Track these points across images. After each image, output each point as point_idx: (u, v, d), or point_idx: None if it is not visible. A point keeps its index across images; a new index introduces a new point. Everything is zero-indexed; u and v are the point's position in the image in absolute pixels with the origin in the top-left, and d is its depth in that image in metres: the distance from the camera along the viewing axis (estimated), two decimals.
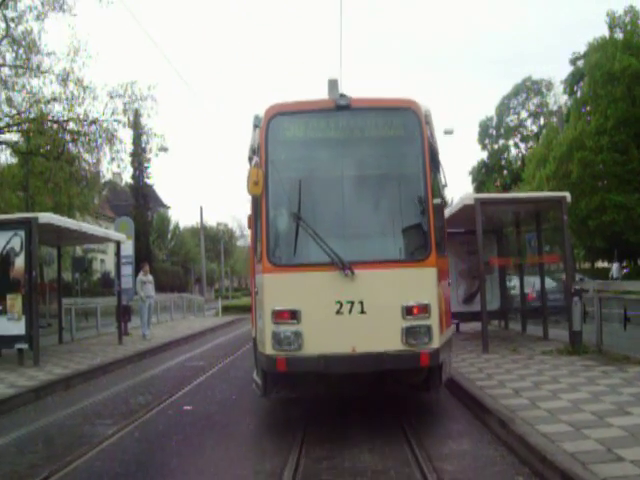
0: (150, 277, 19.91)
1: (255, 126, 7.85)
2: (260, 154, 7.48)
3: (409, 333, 6.95)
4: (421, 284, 7.18)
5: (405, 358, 7.00)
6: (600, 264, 57.24)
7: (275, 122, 7.54)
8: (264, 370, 7.34)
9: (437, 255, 7.29)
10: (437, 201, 7.59)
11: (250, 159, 8.52)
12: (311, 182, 7.71)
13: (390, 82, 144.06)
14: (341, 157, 7.86)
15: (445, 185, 8.50)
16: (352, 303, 6.98)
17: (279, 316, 7.01)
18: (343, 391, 8.02)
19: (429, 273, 7.22)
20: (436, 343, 7.04)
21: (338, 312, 6.97)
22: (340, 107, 7.62)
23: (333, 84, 8.00)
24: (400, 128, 7.77)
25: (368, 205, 7.76)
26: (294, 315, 6.98)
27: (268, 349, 7.03)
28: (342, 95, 7.68)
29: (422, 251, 7.26)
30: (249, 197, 8.09)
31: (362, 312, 6.97)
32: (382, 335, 6.99)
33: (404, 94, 7.93)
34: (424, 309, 7.04)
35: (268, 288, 7.20)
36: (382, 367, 7.02)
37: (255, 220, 7.92)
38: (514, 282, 17.19)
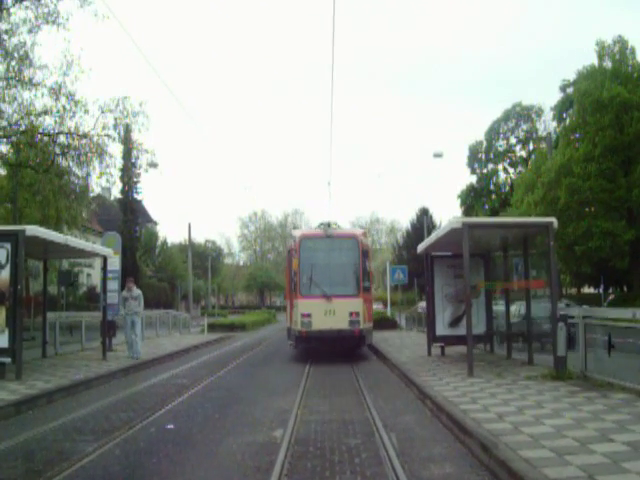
0: (136, 292, 18.74)
1: (292, 238, 20.13)
2: (296, 252, 18.82)
3: (350, 322, 18.04)
4: (355, 304, 18.34)
5: (349, 331, 18.07)
6: (586, 290, 57.52)
7: (302, 240, 19.20)
8: (296, 336, 18.68)
9: (363, 293, 18.69)
10: (365, 271, 19.15)
11: (289, 252, 20.26)
12: (315, 264, 18.84)
13: (380, 102, 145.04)
14: (328, 254, 19.12)
15: (369, 268, 20.10)
16: (331, 310, 18.08)
17: (303, 315, 18.21)
18: (326, 344, 18.99)
19: (358, 300, 18.47)
20: (361, 326, 18.13)
21: (325, 314, 18.07)
22: (327, 236, 19.25)
23: (326, 226, 19.96)
24: (350, 243, 19.22)
25: (338, 274, 18.94)
26: (309, 315, 18.16)
27: (299, 327, 18.25)
28: (328, 230, 19.46)
29: (356, 292, 18.62)
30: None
31: (334, 314, 18.04)
32: (341, 322, 17.97)
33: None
34: (356, 314, 18.10)
35: (300, 305, 18.48)
36: (341, 334, 18.16)
37: (291, 277, 19.29)
38: (500, 307, 17.26)
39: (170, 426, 9.23)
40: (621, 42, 43.65)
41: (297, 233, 20.76)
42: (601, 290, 45.24)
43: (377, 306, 42.63)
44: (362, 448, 7.66)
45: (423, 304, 38.35)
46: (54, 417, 9.93)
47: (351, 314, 18.06)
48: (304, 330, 18.13)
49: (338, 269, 19.01)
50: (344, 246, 19.21)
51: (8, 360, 12.92)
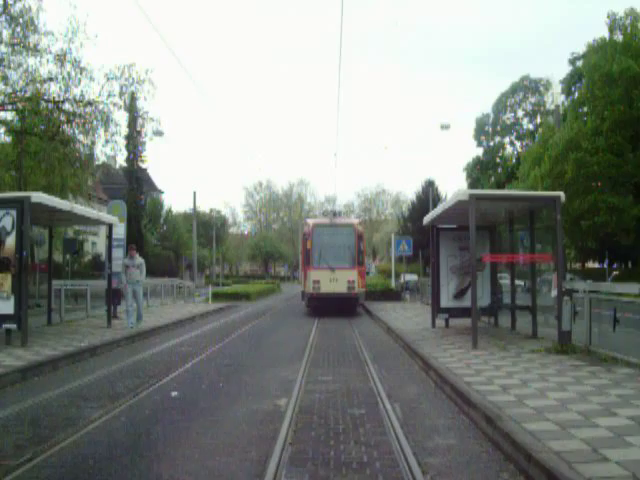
0: (138, 260, 18.24)
1: (307, 225, 27.49)
2: (310, 236, 25.68)
3: (348, 287, 24.92)
4: (351, 274, 25.08)
5: (348, 294, 25.05)
6: (591, 265, 57.47)
7: (314, 227, 26.18)
8: (308, 297, 25.76)
9: (357, 267, 25.46)
10: (359, 250, 25.84)
11: (304, 235, 27.30)
12: (323, 244, 25.52)
13: (388, 73, 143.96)
14: (332, 237, 25.76)
15: (363, 248, 26.64)
16: (334, 278, 24.85)
17: (314, 281, 24.96)
18: (330, 303, 25.24)
19: (354, 272, 25.20)
20: (355, 290, 25.08)
21: (330, 281, 24.89)
22: (332, 224, 26.61)
23: (332, 215, 28.52)
24: (348, 229, 26.16)
25: (340, 251, 25.41)
26: (318, 281, 24.94)
27: (310, 290, 25.07)
28: (333, 219, 27.26)
29: (352, 265, 25.36)
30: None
31: (336, 281, 24.85)
32: (341, 287, 24.88)
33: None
34: (352, 281, 24.94)
35: (311, 274, 25.22)
36: (341, 296, 25.09)
37: (305, 254, 26.37)
38: (505, 280, 17.26)
39: (175, 393, 9.28)
40: (633, 15, 43.03)
41: (310, 222, 27.90)
42: (605, 265, 45.20)
43: (412, 276, 43.79)
44: (366, 419, 7.69)
45: (408, 276, 40.81)
46: (60, 383, 10.00)
47: (349, 281, 25.09)
48: (314, 292, 25.19)
49: (339, 248, 25.64)
50: (344, 232, 26.11)
51: (14, 326, 13.00)
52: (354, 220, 30.93)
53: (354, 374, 11.04)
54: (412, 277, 43.57)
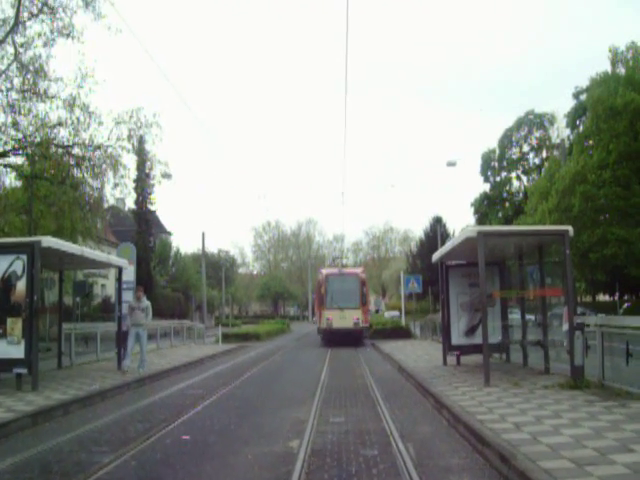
0: (144, 303, 17.62)
1: (320, 274, 35.81)
2: (323, 283, 33.18)
3: (354, 323, 31.35)
4: (357, 313, 31.73)
5: (354, 329, 31.54)
6: (602, 297, 57.09)
7: (327, 276, 33.64)
8: (322, 331, 32.72)
9: (362, 306, 32.34)
10: (363, 294, 32.94)
11: (318, 282, 35.99)
12: (334, 289, 32.63)
13: (393, 112, 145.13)
14: (341, 284, 32.89)
15: (365, 291, 33.84)
16: (343, 316, 31.42)
17: (328, 319, 31.59)
18: (340, 336, 31.52)
19: (359, 311, 31.95)
20: (360, 326, 31.68)
21: (340, 318, 31.41)
22: (340, 273, 34.64)
23: (340, 267, 40.74)
24: (356, 278, 33.31)
25: (347, 295, 32.18)
26: (330, 319, 31.49)
27: (324, 326, 31.92)
28: (341, 270, 36.21)
29: (358, 305, 32.13)
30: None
31: (345, 319, 31.39)
32: (349, 323, 31.34)
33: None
34: (358, 318, 31.47)
35: (325, 313, 31.96)
36: (349, 330, 31.49)
37: (320, 296, 33.53)
38: (515, 315, 17.17)
39: (186, 437, 9.22)
40: (634, 48, 43.45)
41: (324, 271, 35.51)
42: (616, 298, 44.87)
43: (394, 313, 55.72)
44: (379, 459, 7.62)
45: (392, 312, 52.50)
46: (70, 428, 9.95)
47: (355, 318, 31.50)
48: (327, 328, 31.83)
49: (347, 293, 32.31)
50: (350, 280, 33.35)
51: (24, 371, 12.97)
52: (358, 270, 37.73)
53: (366, 414, 10.95)
54: (394, 313, 50.66)
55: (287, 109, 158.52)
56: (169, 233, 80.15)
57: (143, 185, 48.79)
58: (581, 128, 49.46)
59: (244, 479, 6.98)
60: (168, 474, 7.21)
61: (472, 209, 71.77)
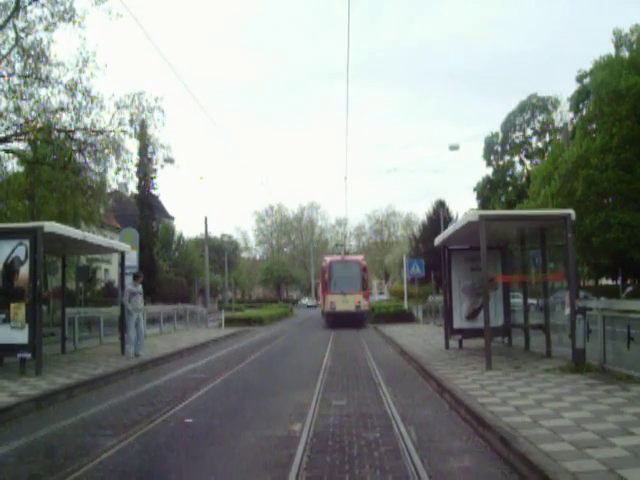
0: (140, 288, 17.73)
1: (324, 261, 38.56)
2: (327, 270, 36.50)
3: (356, 307, 34.47)
4: (358, 297, 34.76)
5: (356, 312, 34.60)
6: (604, 281, 57.07)
7: (330, 263, 36.95)
8: (326, 314, 36.01)
9: (363, 291, 35.45)
10: (363, 279, 36.01)
11: (322, 269, 39.40)
12: (337, 275, 35.68)
13: (396, 96, 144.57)
14: (343, 270, 35.87)
15: (366, 277, 37.66)
16: (345, 300, 34.34)
17: (331, 303, 34.85)
18: (343, 318, 34.32)
19: (360, 295, 35.00)
20: (362, 309, 34.89)
21: (342, 302, 34.36)
22: (343, 260, 37.75)
23: (343, 254, 42.67)
24: (357, 265, 36.41)
25: (349, 280, 35.07)
26: (334, 302, 34.68)
27: (328, 310, 35.23)
28: (344, 257, 39.20)
29: (359, 290, 35.09)
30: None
31: (347, 302, 34.33)
32: (351, 307, 34.39)
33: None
34: (359, 302, 34.56)
35: (329, 297, 35.29)
36: (351, 313, 34.47)
37: (324, 282, 37.27)
38: (517, 299, 17.19)
39: (189, 420, 9.28)
40: (638, 31, 43.11)
41: (328, 259, 38.56)
42: (619, 282, 44.85)
43: (382, 297, 60.71)
44: (381, 442, 7.66)
45: (380, 297, 50.60)
46: (74, 412, 10.00)
47: (356, 302, 34.35)
48: (331, 310, 34.83)
49: (349, 278, 35.01)
50: (352, 266, 36.17)
51: (28, 356, 13.03)
52: (359, 257, 41.18)
53: (368, 397, 10.99)
54: (382, 297, 54.69)
55: (290, 93, 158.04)
56: (172, 218, 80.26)
57: (146, 170, 48.87)
58: (584, 112, 49.19)
59: (247, 462, 7.03)
60: (171, 457, 7.27)
61: (475, 193, 71.60)
